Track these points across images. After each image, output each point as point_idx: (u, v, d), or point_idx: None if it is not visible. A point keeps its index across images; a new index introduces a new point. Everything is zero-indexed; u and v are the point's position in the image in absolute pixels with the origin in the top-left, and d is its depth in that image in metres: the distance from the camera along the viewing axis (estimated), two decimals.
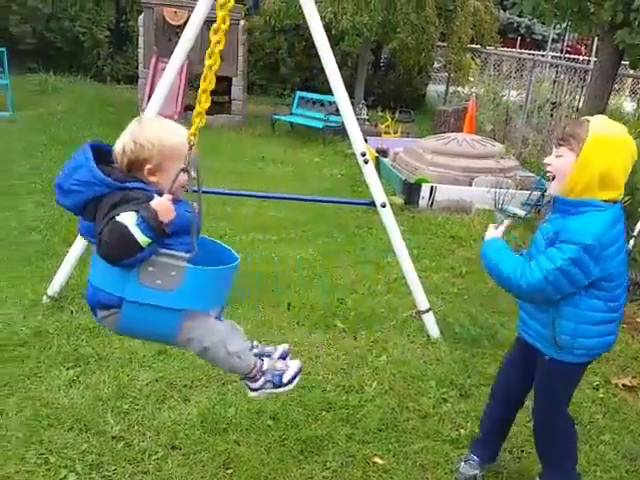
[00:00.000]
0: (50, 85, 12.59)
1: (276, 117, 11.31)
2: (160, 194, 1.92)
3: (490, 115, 11.05)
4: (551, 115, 9.97)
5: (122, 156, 1.99)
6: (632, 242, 5.60)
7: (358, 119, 3.89)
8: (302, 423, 3.01)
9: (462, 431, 3.06)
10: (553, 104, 10.04)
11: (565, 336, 2.32)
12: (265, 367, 2.22)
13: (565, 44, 19.41)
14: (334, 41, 11.49)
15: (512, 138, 10.32)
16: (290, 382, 2.23)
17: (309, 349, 3.72)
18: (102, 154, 1.99)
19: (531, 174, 7.88)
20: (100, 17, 14.86)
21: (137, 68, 11.77)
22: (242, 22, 11.28)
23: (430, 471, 2.80)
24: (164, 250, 1.92)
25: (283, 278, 4.67)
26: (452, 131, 9.69)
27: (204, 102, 2.08)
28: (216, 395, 3.18)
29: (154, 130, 2.01)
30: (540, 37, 23.54)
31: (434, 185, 7.19)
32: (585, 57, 17.86)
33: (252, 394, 2.26)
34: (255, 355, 2.26)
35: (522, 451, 2.99)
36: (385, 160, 8.57)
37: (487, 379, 3.51)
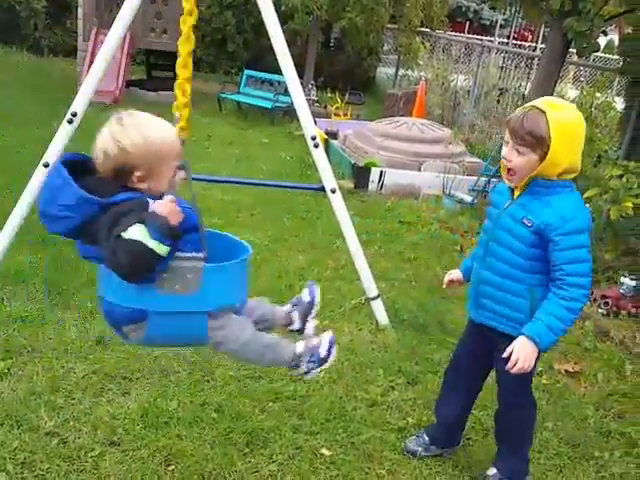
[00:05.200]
0: None
1: (223, 96, 11.05)
2: (154, 198, 1.80)
3: (439, 99, 11.09)
4: (498, 101, 10.06)
5: (105, 163, 1.83)
6: None
7: (307, 100, 3.78)
8: (248, 415, 2.92)
9: (409, 420, 3.03)
10: (500, 90, 10.13)
11: None
12: (300, 350, 2.17)
13: (512, 30, 19.64)
14: (283, 19, 11.29)
15: (460, 123, 10.39)
16: (328, 356, 2.20)
17: None
18: (78, 165, 1.84)
19: (478, 160, 7.95)
20: None
21: (76, 40, 11.29)
22: None
23: (377, 461, 2.76)
24: (177, 254, 1.82)
25: None
26: (402, 114, 9.68)
27: (188, 91, 1.94)
28: (157, 387, 3.05)
29: (138, 131, 1.83)
30: (488, 22, 23.75)
31: (384, 169, 7.16)
32: (532, 43, 18.13)
33: (306, 377, 2.25)
34: (293, 306, 2.33)
35: (468, 439, 2.98)
36: (334, 142, 8.48)
37: (434, 366, 3.51)
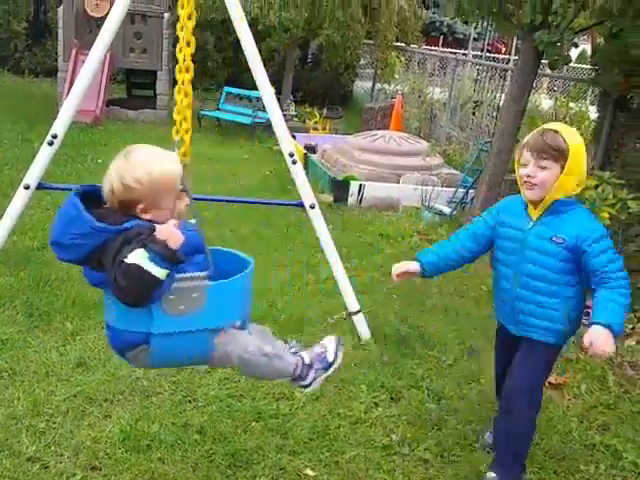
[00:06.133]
0: None
1: (203, 113, 11.06)
2: (160, 223, 1.87)
3: (416, 113, 11.20)
4: (473, 113, 10.18)
5: (112, 197, 1.93)
6: None
7: (286, 115, 3.82)
8: (230, 435, 2.91)
9: (393, 436, 3.02)
10: (475, 102, 10.26)
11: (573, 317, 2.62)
12: (308, 360, 2.21)
13: (486, 43, 19.90)
14: (261, 37, 11.36)
15: (437, 135, 10.49)
16: (336, 358, 2.26)
17: None
18: (90, 196, 1.93)
19: (455, 172, 8.02)
20: (17, 7, 14.17)
21: (56, 61, 11.27)
22: (166, 15, 10.99)
23: None
24: (180, 275, 1.87)
25: None
26: (379, 128, 9.75)
27: (189, 117, 2.05)
28: (139, 409, 3.02)
29: (142, 167, 1.91)
30: (462, 36, 24.02)
31: (363, 183, 7.20)
32: (505, 55, 18.37)
33: (308, 390, 2.26)
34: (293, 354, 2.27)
35: (453, 454, 2.98)
36: (313, 157, 8.52)
37: (417, 381, 3.52)
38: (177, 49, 2.01)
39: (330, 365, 2.25)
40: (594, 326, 2.37)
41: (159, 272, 1.77)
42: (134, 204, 1.93)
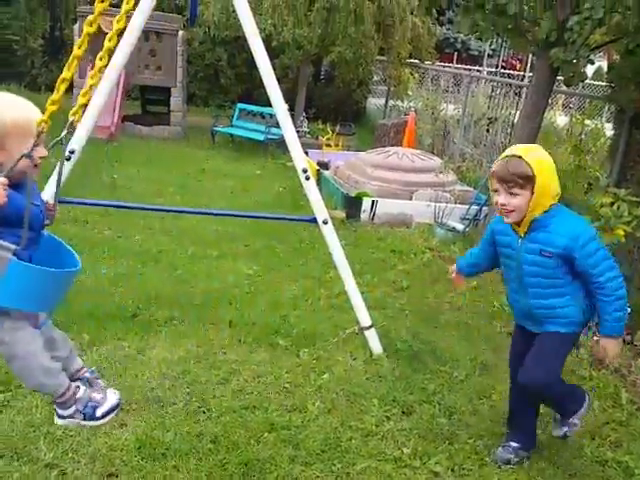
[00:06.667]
0: None
1: (216, 129, 11.19)
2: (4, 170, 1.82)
3: (429, 129, 11.26)
4: (487, 130, 10.21)
5: None
6: None
7: (299, 132, 3.89)
8: (244, 445, 2.94)
9: (404, 450, 3.03)
10: (489, 119, 10.29)
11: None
12: (79, 395, 2.11)
13: (500, 59, 20.00)
14: (274, 54, 11.52)
15: (450, 152, 10.53)
16: (103, 417, 2.15)
17: (251, 367, 3.66)
18: None
19: (469, 188, 8.05)
20: (34, 25, 14.47)
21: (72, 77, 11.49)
22: (181, 33, 11.17)
23: None
24: None
25: (224, 294, 4.59)
26: (392, 145, 9.81)
27: (61, 90, 2.02)
28: (154, 418, 3.06)
29: None
30: (476, 52, 24.18)
31: (375, 199, 7.24)
32: (520, 72, 18.44)
33: (59, 421, 2.15)
34: (79, 379, 2.18)
35: (463, 468, 2.99)
36: (326, 173, 8.58)
37: (428, 396, 3.53)
38: (107, 38, 2.06)
39: (92, 419, 2.14)
40: (603, 338, 2.71)
41: None
42: None
